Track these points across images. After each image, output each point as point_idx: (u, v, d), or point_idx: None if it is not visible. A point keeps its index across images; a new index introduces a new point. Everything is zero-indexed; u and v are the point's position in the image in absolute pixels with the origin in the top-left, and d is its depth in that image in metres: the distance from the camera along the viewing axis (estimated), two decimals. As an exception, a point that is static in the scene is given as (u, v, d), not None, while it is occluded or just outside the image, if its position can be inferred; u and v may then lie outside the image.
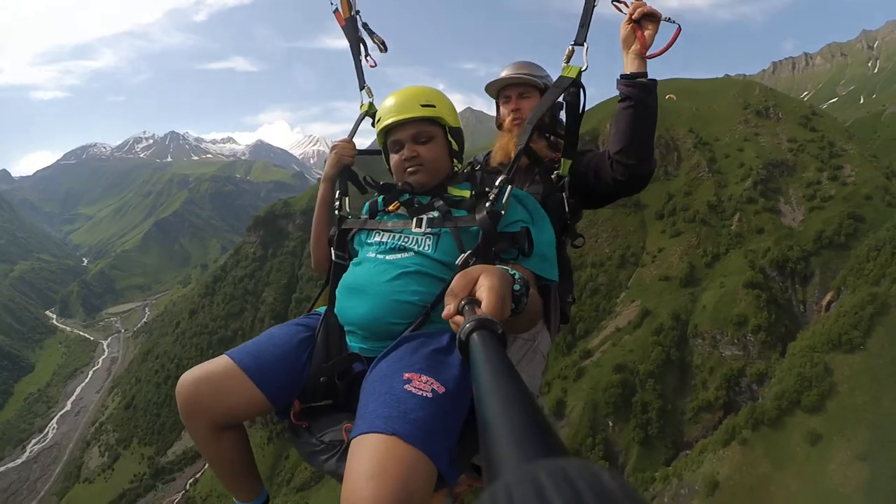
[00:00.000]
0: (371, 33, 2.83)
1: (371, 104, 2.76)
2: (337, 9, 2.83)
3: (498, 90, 2.86)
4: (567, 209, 2.53)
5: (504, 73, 2.84)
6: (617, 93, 2.41)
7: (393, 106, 2.12)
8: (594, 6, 2.38)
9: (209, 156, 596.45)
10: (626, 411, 60.69)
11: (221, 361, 1.95)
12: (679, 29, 2.28)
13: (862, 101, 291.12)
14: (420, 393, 1.57)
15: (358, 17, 2.83)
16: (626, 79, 2.35)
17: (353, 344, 2.02)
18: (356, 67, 2.80)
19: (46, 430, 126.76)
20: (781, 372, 54.07)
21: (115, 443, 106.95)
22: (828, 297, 66.31)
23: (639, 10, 2.30)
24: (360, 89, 2.78)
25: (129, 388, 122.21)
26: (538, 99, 2.62)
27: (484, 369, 0.72)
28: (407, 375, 1.63)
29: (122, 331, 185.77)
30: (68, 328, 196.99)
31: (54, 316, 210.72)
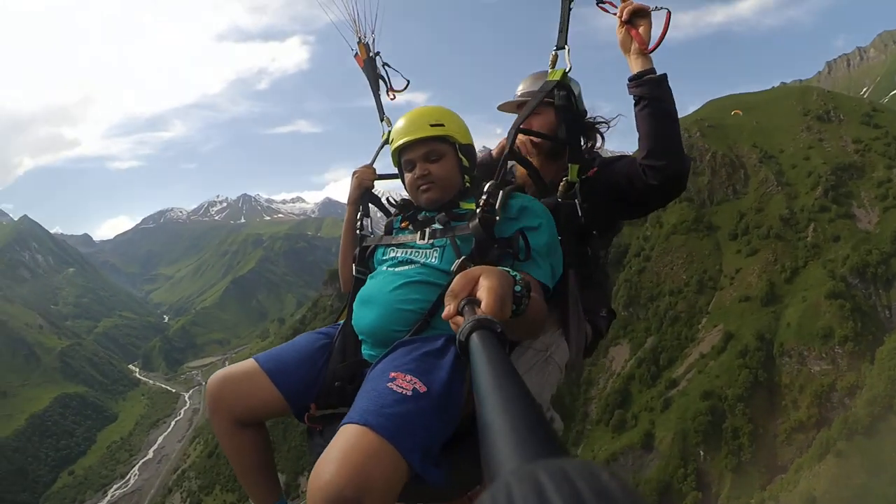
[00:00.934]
0: (392, 71, 3.09)
1: (390, 132, 2.80)
2: (356, 53, 3.12)
3: (514, 109, 2.80)
4: (581, 215, 2.40)
5: (520, 89, 2.82)
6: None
7: (403, 127, 2.23)
8: (570, 10, 2.40)
9: (281, 215, 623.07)
10: (717, 439, 58.46)
11: (247, 364, 2.14)
12: (669, 13, 2.23)
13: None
14: (400, 390, 1.64)
15: (378, 57, 3.08)
16: (634, 79, 2.29)
17: (365, 351, 2.14)
18: (376, 101, 3.05)
19: (128, 476, 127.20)
20: (871, 378, 52.06)
21: (197, 489, 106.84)
22: (912, 298, 62.89)
23: (626, 10, 2.30)
24: (381, 121, 2.99)
25: (212, 438, 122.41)
26: (552, 114, 2.53)
27: (484, 369, 0.71)
28: (392, 374, 1.71)
29: (203, 383, 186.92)
30: (151, 381, 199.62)
31: (137, 369, 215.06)
